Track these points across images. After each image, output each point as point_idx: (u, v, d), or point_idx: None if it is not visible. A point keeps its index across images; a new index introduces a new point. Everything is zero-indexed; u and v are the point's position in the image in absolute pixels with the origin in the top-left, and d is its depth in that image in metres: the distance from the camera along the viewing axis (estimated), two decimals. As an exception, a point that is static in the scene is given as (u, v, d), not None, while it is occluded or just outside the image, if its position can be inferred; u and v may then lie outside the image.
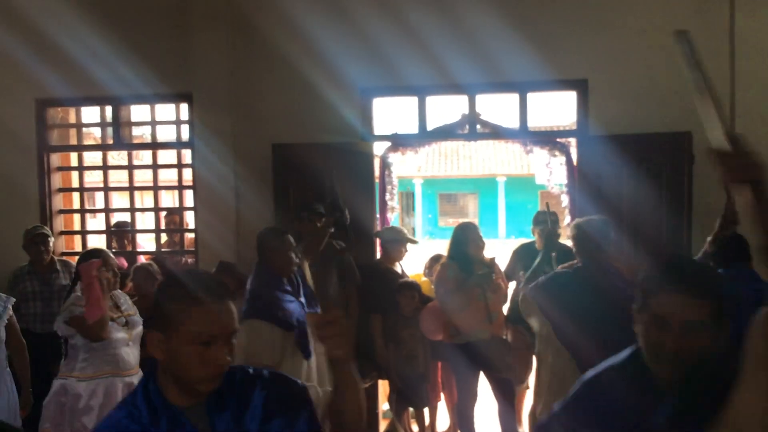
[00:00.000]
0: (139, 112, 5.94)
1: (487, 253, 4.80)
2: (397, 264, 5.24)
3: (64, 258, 5.34)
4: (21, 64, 5.37)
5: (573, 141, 5.39)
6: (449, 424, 5.33)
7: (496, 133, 5.56)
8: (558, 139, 5.49)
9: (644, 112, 5.05)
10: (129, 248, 5.83)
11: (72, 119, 5.90)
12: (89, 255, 3.92)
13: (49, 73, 5.34)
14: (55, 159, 5.78)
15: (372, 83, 5.37)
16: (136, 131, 5.99)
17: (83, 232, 5.87)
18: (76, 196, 5.93)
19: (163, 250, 5.92)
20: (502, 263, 5.01)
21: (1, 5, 5.38)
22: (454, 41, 5.14)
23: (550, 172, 5.56)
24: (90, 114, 5.93)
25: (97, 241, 5.92)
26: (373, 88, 5.41)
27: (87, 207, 5.99)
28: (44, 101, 5.62)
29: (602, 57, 5.14)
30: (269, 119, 5.42)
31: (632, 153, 4.88)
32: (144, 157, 6.37)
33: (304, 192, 5.26)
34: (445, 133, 5.59)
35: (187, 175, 5.69)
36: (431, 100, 5.48)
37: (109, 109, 5.70)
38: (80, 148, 5.88)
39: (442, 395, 5.34)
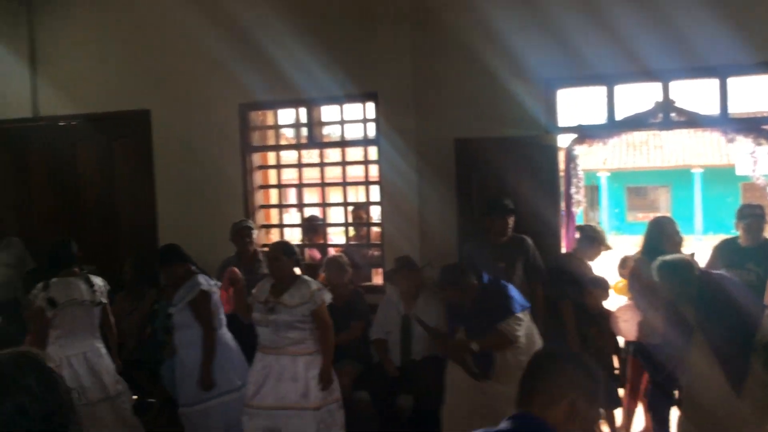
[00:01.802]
0: (329, 112, 6.28)
1: (685, 250, 4.52)
2: (587, 263, 5.09)
3: (266, 249, 5.79)
4: (229, 72, 5.91)
5: (783, 127, 4.89)
6: (644, 426, 5.07)
7: (692, 121, 5.19)
8: (764, 127, 5.01)
9: None
10: (320, 241, 6.19)
11: (270, 121, 6.36)
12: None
13: (252, 78, 5.81)
14: (256, 158, 6.28)
15: (557, 73, 5.24)
16: (326, 130, 6.34)
17: (281, 226, 6.33)
18: (273, 192, 6.40)
19: (351, 243, 6.22)
20: (702, 260, 4.67)
21: (214, 20, 5.92)
22: (645, 25, 4.88)
23: (755, 162, 5.10)
24: (285, 116, 6.36)
25: (292, 235, 6.34)
26: (557, 79, 5.28)
27: (283, 202, 6.44)
28: (247, 105, 6.12)
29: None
30: (451, 114, 5.47)
31: None
32: (333, 155, 6.71)
33: (487, 187, 5.27)
34: (636, 122, 5.31)
35: (373, 171, 5.92)
36: (620, 89, 5.23)
37: (302, 111, 6.09)
38: (278, 147, 6.33)
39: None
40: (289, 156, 6.43)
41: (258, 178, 6.29)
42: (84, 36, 6.58)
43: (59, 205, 6.83)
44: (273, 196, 6.41)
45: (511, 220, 4.90)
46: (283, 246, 4.53)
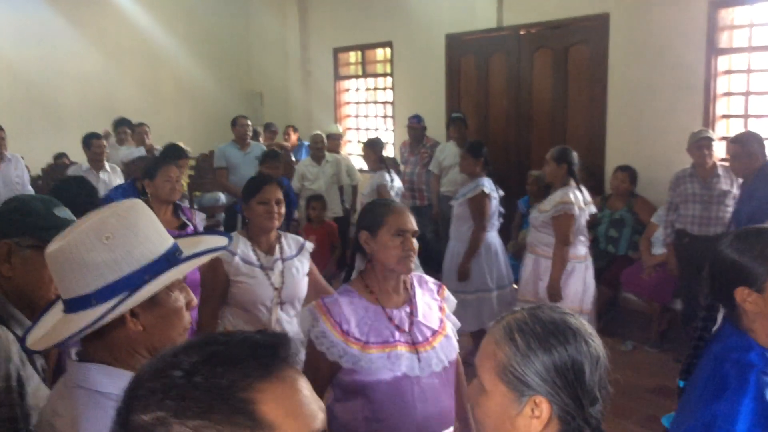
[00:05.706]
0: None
1: None
2: None
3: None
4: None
5: None
6: None
7: None
8: None
9: None
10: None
11: (743, 20, 5.61)
12: None
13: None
14: (723, 62, 5.66)
15: None
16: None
17: (745, 138, 5.66)
18: (736, 100, 5.73)
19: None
20: None
21: None
22: None
23: None
24: (762, 13, 5.53)
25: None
26: None
27: (750, 113, 5.73)
28: (717, 2, 5.50)
29: None
30: None
31: None
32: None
33: None
34: None
35: None
36: None
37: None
38: (750, 50, 5.59)
39: None
40: (762, 60, 5.62)
41: (723, 84, 5.69)
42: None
43: (512, 109, 7.25)
44: (737, 104, 5.75)
45: None
46: None
